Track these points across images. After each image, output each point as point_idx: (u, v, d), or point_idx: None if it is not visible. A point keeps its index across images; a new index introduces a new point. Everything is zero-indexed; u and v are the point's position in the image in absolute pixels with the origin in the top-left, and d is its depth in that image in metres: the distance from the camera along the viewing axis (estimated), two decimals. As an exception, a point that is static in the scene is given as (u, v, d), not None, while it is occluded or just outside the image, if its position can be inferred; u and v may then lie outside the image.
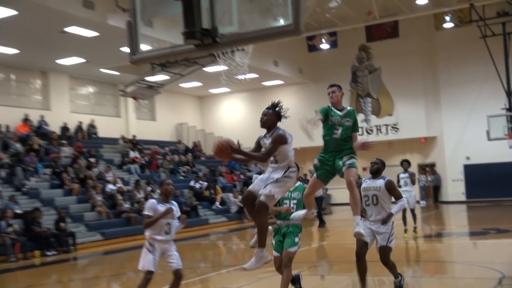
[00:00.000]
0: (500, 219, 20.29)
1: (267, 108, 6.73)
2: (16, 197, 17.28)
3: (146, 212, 7.13)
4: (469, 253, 12.99)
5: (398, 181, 14.39)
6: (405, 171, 14.52)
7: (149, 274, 6.94)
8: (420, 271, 10.61)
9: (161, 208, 7.14)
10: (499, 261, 10.37)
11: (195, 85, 30.29)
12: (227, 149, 5.93)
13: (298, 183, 7.54)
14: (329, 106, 7.76)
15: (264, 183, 6.16)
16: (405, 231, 14.33)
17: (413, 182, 14.63)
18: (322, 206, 19.99)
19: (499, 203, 26.06)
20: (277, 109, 6.76)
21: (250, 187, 6.23)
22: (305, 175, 31.43)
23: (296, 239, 7.13)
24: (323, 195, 19.92)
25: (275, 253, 7.09)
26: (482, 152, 27.58)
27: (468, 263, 11.09)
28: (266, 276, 8.55)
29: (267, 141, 6.46)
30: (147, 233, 7.13)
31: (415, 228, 14.64)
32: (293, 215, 7.18)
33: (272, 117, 6.66)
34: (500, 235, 15.44)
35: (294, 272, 7.24)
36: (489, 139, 24.35)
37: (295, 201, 7.32)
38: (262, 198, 5.88)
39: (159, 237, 7.06)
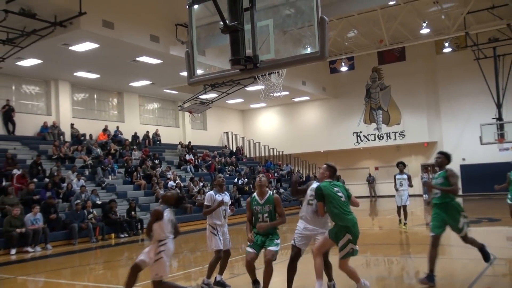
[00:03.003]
0: (491, 210, 19.79)
1: None
2: (97, 191, 17.58)
3: (205, 203, 7.11)
4: (465, 238, 12.68)
5: (395, 181, 13.68)
6: (401, 172, 13.63)
7: (219, 252, 6.92)
8: (423, 252, 10.40)
9: (218, 197, 7.11)
10: (490, 245, 10.05)
11: (238, 101, 30.44)
12: None
13: (269, 193, 6.47)
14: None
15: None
16: (400, 221, 13.91)
17: (410, 184, 13.69)
18: None
19: (490, 197, 25.47)
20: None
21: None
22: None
23: (277, 241, 6.31)
24: None
25: (250, 249, 6.30)
26: (476, 154, 27.02)
27: (464, 246, 10.82)
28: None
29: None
30: (209, 220, 7.10)
31: (405, 223, 13.83)
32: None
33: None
34: (492, 223, 15.06)
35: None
36: (482, 144, 23.91)
37: (266, 214, 6.33)
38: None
39: (218, 222, 7.06)
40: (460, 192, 28.27)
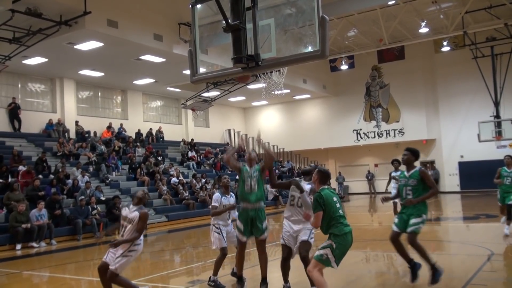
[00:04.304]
0: (489, 206, 19.72)
1: None
2: (101, 187, 17.59)
3: (213, 204, 7.00)
4: (463, 234, 12.68)
5: (389, 179, 13.26)
6: (396, 170, 13.07)
7: (224, 250, 6.86)
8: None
9: (224, 200, 7.00)
10: (488, 241, 10.10)
11: (240, 99, 30.43)
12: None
13: (256, 165, 6.47)
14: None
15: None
16: None
17: None
18: None
19: (488, 193, 25.40)
20: None
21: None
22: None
23: (264, 225, 6.31)
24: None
25: (242, 236, 6.34)
26: (473, 151, 26.99)
27: (462, 242, 10.84)
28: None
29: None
30: (213, 220, 7.03)
31: None
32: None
33: None
34: (489, 219, 15.01)
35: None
36: (480, 141, 23.89)
37: (254, 179, 6.34)
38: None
39: (222, 222, 7.00)
40: (458, 189, 28.29)
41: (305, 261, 5.90)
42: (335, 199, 5.25)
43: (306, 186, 6.04)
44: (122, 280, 5.82)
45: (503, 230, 10.55)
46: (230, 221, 7.06)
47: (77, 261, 11.11)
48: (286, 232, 6.10)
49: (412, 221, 6.29)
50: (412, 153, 6.66)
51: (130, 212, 5.92)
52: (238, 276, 6.52)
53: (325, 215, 5.17)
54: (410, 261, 6.45)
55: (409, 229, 6.27)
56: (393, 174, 13.09)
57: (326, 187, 5.35)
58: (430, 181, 6.42)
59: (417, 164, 6.75)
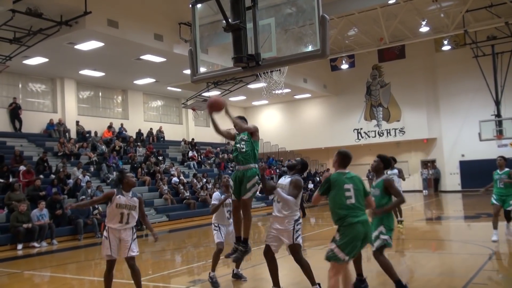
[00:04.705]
0: (490, 205, 19.68)
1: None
2: (102, 187, 17.52)
3: (213, 202, 7.23)
4: (464, 233, 12.67)
5: None
6: (391, 168, 12.38)
7: (220, 244, 7.03)
8: (423, 247, 10.41)
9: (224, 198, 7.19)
10: (489, 240, 10.09)
11: (241, 98, 30.39)
12: (221, 106, 5.85)
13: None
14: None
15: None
16: (399, 222, 12.60)
17: (402, 178, 12.98)
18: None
19: (489, 192, 25.39)
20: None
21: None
22: (328, 169, 31.25)
23: (248, 185, 6.02)
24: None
25: (233, 197, 6.17)
26: (474, 150, 26.94)
27: (463, 241, 10.84)
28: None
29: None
30: (214, 219, 7.24)
31: (401, 221, 12.52)
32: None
33: None
34: (491, 218, 14.89)
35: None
36: (481, 140, 23.86)
37: (243, 143, 6.09)
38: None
39: (221, 222, 7.20)
40: (459, 188, 28.25)
41: (301, 263, 5.88)
42: (347, 186, 4.91)
43: (286, 180, 6.09)
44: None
45: (505, 229, 10.52)
46: (231, 220, 7.05)
47: (78, 261, 11.12)
48: (269, 233, 6.10)
49: (374, 234, 5.94)
50: (381, 160, 6.38)
51: (128, 199, 6.00)
52: (237, 237, 6.22)
53: (332, 202, 4.96)
54: (359, 274, 6.37)
55: (374, 245, 5.97)
56: (388, 172, 12.11)
57: (346, 171, 5.07)
58: (394, 190, 6.13)
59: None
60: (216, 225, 7.19)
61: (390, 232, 6.02)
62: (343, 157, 5.14)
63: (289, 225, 5.87)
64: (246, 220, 6.01)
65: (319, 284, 5.84)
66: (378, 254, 5.97)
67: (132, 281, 6.10)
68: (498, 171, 10.09)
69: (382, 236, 5.95)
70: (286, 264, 6.23)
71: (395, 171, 12.92)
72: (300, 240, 5.90)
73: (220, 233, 7.13)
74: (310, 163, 33.37)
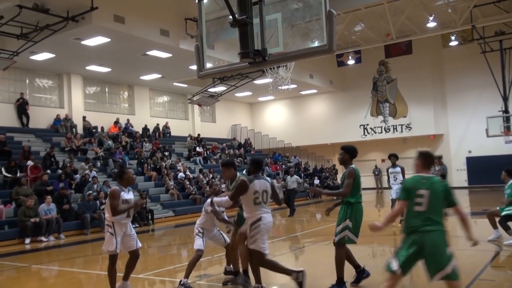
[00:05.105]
0: (497, 201, 19.49)
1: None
2: (108, 182, 17.61)
3: (206, 207, 7.02)
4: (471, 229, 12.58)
5: (388, 176, 12.53)
6: (393, 165, 12.34)
7: (200, 252, 6.70)
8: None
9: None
10: (496, 237, 10.04)
11: (247, 94, 30.39)
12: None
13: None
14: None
15: None
16: (401, 221, 12.68)
17: (404, 177, 12.30)
18: (294, 198, 17.80)
19: (495, 188, 25.26)
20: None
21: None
22: (334, 165, 31.22)
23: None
24: (296, 188, 18.04)
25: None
26: (481, 146, 26.84)
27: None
28: (305, 245, 8.42)
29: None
30: (200, 223, 6.93)
31: (401, 220, 12.54)
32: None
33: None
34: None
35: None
36: (488, 136, 23.73)
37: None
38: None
39: (208, 227, 6.88)
40: (466, 184, 28.16)
41: (253, 271, 5.99)
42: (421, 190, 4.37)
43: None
44: None
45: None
46: (216, 223, 6.86)
47: (86, 255, 11.20)
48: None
49: (336, 230, 6.07)
50: (346, 151, 6.23)
51: (128, 194, 6.17)
52: (244, 270, 6.35)
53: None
54: (357, 266, 6.39)
55: (336, 238, 6.05)
56: (390, 170, 12.47)
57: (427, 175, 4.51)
58: (346, 181, 6.03)
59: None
60: (201, 230, 6.76)
61: (354, 228, 6.05)
62: (428, 157, 4.64)
63: (248, 228, 5.76)
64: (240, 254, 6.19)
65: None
66: (339, 246, 6.01)
67: (132, 274, 6.32)
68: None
69: (344, 233, 6.00)
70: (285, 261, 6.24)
71: (398, 169, 12.41)
72: (255, 245, 5.66)
73: (203, 239, 6.70)
74: (316, 159, 33.36)
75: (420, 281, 6.54)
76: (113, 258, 6.09)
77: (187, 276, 6.46)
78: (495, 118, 23.61)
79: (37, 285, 7.91)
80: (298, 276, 5.58)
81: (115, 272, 6.14)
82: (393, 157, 12.40)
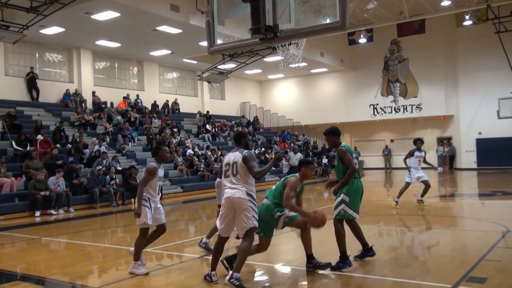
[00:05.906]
0: (506, 183, 19.58)
1: None
2: (118, 157, 17.77)
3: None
4: (479, 210, 12.62)
5: (408, 155, 12.27)
6: (419, 149, 12.24)
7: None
8: (436, 223, 10.41)
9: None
10: (504, 218, 10.05)
11: (257, 71, 30.25)
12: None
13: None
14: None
15: None
16: (397, 203, 12.16)
17: (425, 161, 12.40)
18: None
19: (505, 170, 25.21)
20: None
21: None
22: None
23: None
24: None
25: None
26: (492, 128, 26.67)
27: (477, 218, 10.81)
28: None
29: None
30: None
31: (421, 200, 12.35)
32: None
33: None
34: (506, 196, 14.90)
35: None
36: (499, 118, 23.55)
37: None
38: None
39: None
40: (475, 166, 28.03)
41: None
42: None
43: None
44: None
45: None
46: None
47: (94, 229, 11.35)
48: None
49: (334, 204, 6.16)
50: (331, 134, 6.23)
51: (161, 170, 6.38)
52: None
53: None
54: (364, 244, 6.37)
55: (334, 213, 6.13)
56: (417, 153, 12.33)
57: None
58: (346, 159, 6.01)
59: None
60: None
61: (352, 203, 6.02)
62: None
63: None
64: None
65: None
66: (336, 221, 6.05)
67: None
68: None
69: (341, 207, 6.04)
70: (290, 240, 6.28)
71: (423, 153, 12.38)
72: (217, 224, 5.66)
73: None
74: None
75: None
76: (145, 231, 6.25)
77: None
78: (507, 99, 23.38)
79: (47, 257, 8.06)
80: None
81: (144, 245, 6.34)
82: (419, 142, 12.34)
